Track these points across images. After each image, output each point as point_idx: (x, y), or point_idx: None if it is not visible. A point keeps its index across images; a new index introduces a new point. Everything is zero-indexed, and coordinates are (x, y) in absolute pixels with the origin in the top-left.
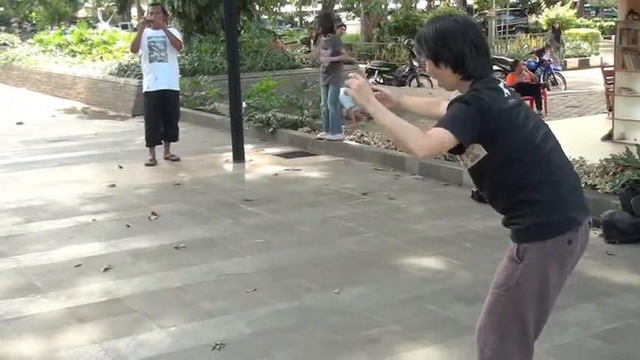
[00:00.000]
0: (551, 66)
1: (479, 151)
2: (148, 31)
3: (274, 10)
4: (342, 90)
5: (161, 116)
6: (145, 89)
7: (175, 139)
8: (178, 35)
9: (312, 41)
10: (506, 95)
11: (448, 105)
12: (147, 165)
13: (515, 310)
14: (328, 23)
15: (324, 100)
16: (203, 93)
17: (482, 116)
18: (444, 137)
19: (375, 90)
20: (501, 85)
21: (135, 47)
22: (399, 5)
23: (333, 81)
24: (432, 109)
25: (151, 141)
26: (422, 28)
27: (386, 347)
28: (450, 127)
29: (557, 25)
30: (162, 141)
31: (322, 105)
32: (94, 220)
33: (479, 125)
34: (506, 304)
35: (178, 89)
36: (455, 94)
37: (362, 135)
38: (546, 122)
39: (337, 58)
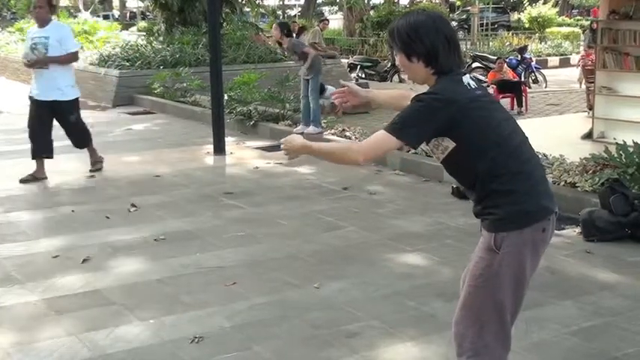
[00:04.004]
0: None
1: (447, 143)
2: (33, 29)
3: (257, 2)
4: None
5: (41, 126)
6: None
7: (82, 146)
8: (70, 42)
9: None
10: (471, 87)
11: (411, 100)
12: (21, 181)
13: (493, 300)
14: (284, 28)
15: (303, 91)
16: (184, 85)
17: (440, 111)
18: (382, 141)
19: (343, 85)
20: (466, 77)
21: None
22: (382, 0)
23: (314, 74)
24: (402, 102)
25: (31, 151)
26: (394, 22)
27: (365, 342)
28: (392, 130)
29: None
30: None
31: (302, 97)
32: (73, 211)
33: (437, 120)
34: (484, 295)
35: (64, 98)
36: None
37: (343, 129)
38: (527, 120)
39: (309, 63)
